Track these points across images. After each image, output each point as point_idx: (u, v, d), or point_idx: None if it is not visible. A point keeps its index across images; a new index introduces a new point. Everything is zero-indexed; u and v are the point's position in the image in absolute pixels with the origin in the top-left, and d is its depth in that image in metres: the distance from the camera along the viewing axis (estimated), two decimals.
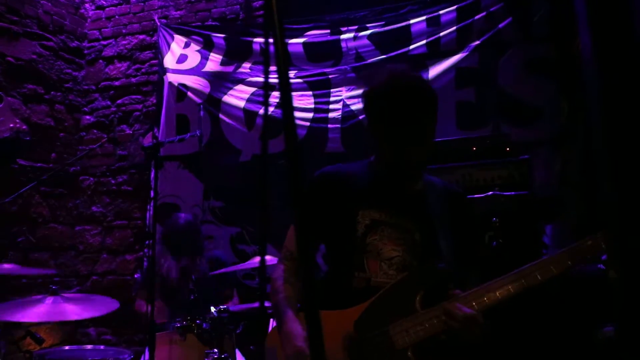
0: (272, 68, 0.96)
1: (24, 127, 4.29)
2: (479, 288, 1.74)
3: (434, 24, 4.21)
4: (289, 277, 1.91)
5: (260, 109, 4.58)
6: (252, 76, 4.70)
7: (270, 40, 0.94)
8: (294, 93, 4.45)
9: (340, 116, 4.35)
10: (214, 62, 4.85)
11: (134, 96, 5.21)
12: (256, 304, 3.49)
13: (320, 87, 4.46)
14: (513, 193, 2.90)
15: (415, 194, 1.91)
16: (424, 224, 1.85)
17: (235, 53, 4.79)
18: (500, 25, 4.02)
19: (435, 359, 1.69)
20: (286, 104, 0.89)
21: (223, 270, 3.62)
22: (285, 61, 0.88)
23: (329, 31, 4.53)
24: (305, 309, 0.89)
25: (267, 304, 2.34)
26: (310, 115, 4.42)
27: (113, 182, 5.12)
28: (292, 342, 1.69)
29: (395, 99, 1.79)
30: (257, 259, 3.57)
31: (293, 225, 1.95)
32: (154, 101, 5.07)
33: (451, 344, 1.71)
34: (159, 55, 5.06)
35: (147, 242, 4.77)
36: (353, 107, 4.30)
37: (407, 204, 1.88)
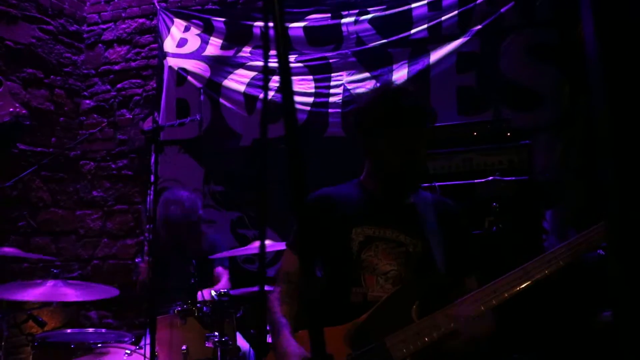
0: (272, 52, 0.96)
1: (23, 111, 4.28)
2: (485, 288, 1.75)
3: (436, 8, 4.18)
4: (285, 298, 1.96)
5: (261, 93, 4.56)
6: (252, 60, 4.68)
7: (270, 24, 0.93)
8: (294, 77, 4.43)
9: (340, 100, 4.33)
10: (214, 46, 4.82)
11: (133, 80, 5.19)
12: (256, 288, 3.50)
13: (320, 72, 4.44)
14: (513, 178, 2.90)
15: (407, 208, 1.96)
16: (417, 236, 1.89)
17: (235, 37, 4.76)
18: (502, 10, 3.99)
19: None
20: (286, 88, 0.89)
21: (223, 254, 3.63)
22: (285, 45, 0.88)
23: (329, 15, 4.50)
24: (308, 326, 0.90)
25: (267, 288, 2.35)
26: (310, 99, 4.41)
27: (113, 166, 5.12)
28: (287, 357, 1.73)
29: (400, 104, 1.87)
30: (258, 243, 3.57)
31: (287, 248, 2.07)
32: (154, 85, 5.05)
33: (450, 351, 1.73)
34: (158, 39, 5.04)
35: (147, 226, 4.78)
36: (354, 92, 4.29)
37: (400, 218, 1.93)
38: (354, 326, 1.78)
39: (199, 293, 3.14)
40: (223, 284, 3.79)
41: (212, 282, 3.78)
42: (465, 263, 1.96)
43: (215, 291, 2.93)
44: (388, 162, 1.92)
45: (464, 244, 1.99)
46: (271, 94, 4.16)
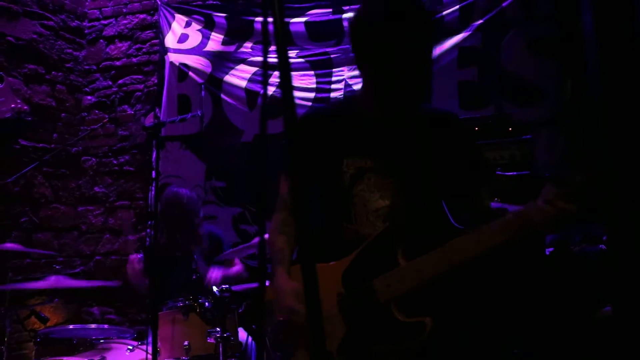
0: (273, 48, 0.96)
1: (25, 107, 4.29)
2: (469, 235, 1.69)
3: (437, 2, 4.17)
4: (284, 227, 1.90)
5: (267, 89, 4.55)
6: (253, 56, 4.68)
7: (270, 19, 0.93)
8: (295, 73, 4.44)
9: (342, 96, 4.33)
10: (215, 42, 4.82)
11: (135, 76, 5.18)
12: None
13: (322, 67, 4.44)
14: (515, 173, 2.90)
15: (403, 132, 1.82)
16: (410, 164, 1.79)
17: (236, 32, 4.76)
18: (503, 4, 3.98)
19: (419, 311, 1.67)
20: (285, 84, 0.89)
21: (226, 252, 3.64)
22: (284, 41, 0.88)
23: (330, 10, 4.50)
24: (301, 266, 0.90)
25: (267, 283, 2.35)
26: (312, 95, 4.41)
27: (115, 162, 5.13)
28: (282, 300, 1.74)
29: (396, 12, 1.69)
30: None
31: (285, 174, 1.95)
32: (155, 81, 5.05)
33: (435, 294, 1.70)
34: (160, 35, 5.03)
35: (149, 222, 4.79)
36: (355, 87, 4.28)
37: (394, 145, 1.81)
38: (345, 263, 1.76)
39: (210, 269, 3.10)
40: (238, 268, 3.78)
41: (225, 264, 3.75)
42: (474, 174, 1.88)
43: (224, 276, 2.93)
44: (386, 81, 1.74)
45: (468, 154, 1.89)
46: (272, 89, 4.15)
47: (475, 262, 1.66)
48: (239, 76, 4.67)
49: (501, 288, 2.50)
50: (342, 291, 1.74)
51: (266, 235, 2.02)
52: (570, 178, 1.59)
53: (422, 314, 1.66)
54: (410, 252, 1.71)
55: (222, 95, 4.69)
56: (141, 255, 3.64)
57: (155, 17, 5.12)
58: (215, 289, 2.97)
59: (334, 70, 4.41)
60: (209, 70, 4.78)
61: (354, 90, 4.26)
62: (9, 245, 3.40)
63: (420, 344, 1.64)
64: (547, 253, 2.86)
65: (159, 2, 5.05)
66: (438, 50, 4.11)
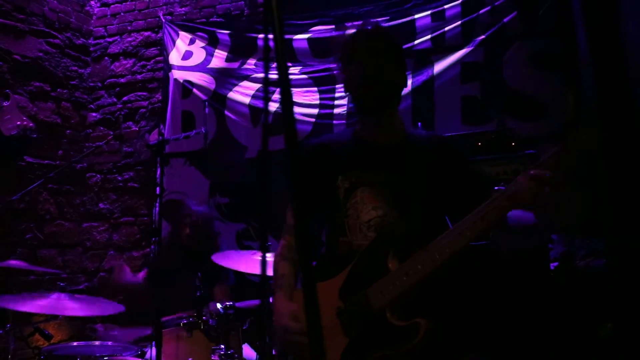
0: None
1: (30, 124, 4.32)
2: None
3: (439, 18, 4.20)
4: (287, 253, 1.98)
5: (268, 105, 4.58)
6: (257, 72, 4.70)
7: (271, 36, 0.94)
8: (298, 89, 4.45)
9: (345, 112, 4.34)
10: (219, 59, 4.85)
11: (139, 93, 5.22)
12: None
13: (325, 83, 4.45)
14: None
15: (392, 147, 1.93)
16: (399, 173, 1.86)
17: (240, 49, 4.79)
18: (505, 20, 4.00)
19: (412, 313, 1.70)
20: (286, 101, 0.90)
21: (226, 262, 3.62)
22: (284, 57, 0.89)
23: (333, 27, 4.52)
24: (303, 290, 0.91)
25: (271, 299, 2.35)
26: (315, 111, 4.42)
27: (119, 178, 5.14)
28: (280, 320, 1.80)
29: (353, 41, 1.97)
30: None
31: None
32: (160, 98, 5.08)
33: (427, 296, 1.74)
34: (164, 52, 5.07)
35: (153, 238, 4.79)
36: None
37: (386, 158, 1.91)
38: (342, 278, 1.81)
39: (219, 306, 3.06)
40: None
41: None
42: (472, 190, 1.91)
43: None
44: (353, 95, 1.99)
45: (463, 171, 1.95)
46: (276, 105, 4.17)
47: (459, 257, 1.69)
48: (243, 93, 4.69)
49: (504, 299, 2.49)
50: (341, 305, 1.78)
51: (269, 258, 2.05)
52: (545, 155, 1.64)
53: (415, 315, 1.69)
54: (402, 255, 1.75)
55: (226, 112, 4.71)
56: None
57: (160, 35, 5.16)
58: (219, 305, 2.97)
59: (337, 86, 4.42)
60: (212, 87, 4.81)
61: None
62: (13, 263, 3.40)
63: (416, 345, 1.66)
64: (552, 267, 2.85)
65: (163, 20, 5.10)
66: (441, 66, 4.13)
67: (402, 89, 1.99)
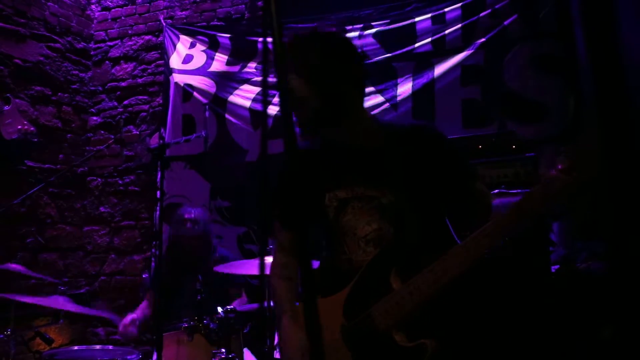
0: None
1: (31, 128, 4.32)
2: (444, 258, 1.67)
3: (439, 21, 4.20)
4: (283, 271, 1.92)
5: (267, 108, 4.58)
6: (257, 76, 4.70)
7: (269, 39, 0.94)
8: None
9: None
10: (219, 62, 4.86)
11: (140, 97, 5.22)
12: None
13: None
14: (519, 190, 2.89)
15: (373, 154, 1.83)
16: (386, 186, 1.79)
17: (240, 53, 4.79)
18: (505, 22, 3.99)
19: (419, 334, 1.66)
20: (285, 104, 0.90)
21: (229, 270, 3.61)
22: (283, 60, 0.88)
23: (334, 30, 4.52)
24: (303, 310, 0.90)
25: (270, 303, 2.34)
26: None
27: (120, 182, 5.15)
28: (286, 352, 1.76)
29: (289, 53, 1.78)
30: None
31: (274, 219, 1.97)
32: (160, 101, 5.08)
33: (434, 315, 1.70)
34: (164, 56, 5.08)
35: (154, 242, 4.79)
36: None
37: (366, 171, 1.82)
38: (344, 295, 1.76)
39: (220, 310, 3.03)
40: (244, 299, 3.77)
41: (229, 298, 3.74)
42: (458, 173, 1.86)
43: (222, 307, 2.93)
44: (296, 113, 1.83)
45: (445, 158, 1.86)
46: (276, 109, 4.17)
47: (464, 277, 1.66)
48: (243, 96, 4.70)
49: (505, 306, 2.48)
50: (344, 322, 1.74)
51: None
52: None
53: (422, 336, 1.65)
54: (404, 272, 1.71)
55: (227, 115, 4.71)
56: (134, 315, 3.62)
57: (160, 39, 5.17)
58: (220, 309, 2.96)
59: None
60: (213, 90, 4.81)
61: None
62: (13, 267, 3.40)
63: None
64: (553, 270, 2.84)
65: (164, 24, 5.10)
66: (441, 69, 4.13)
67: (353, 96, 1.82)
